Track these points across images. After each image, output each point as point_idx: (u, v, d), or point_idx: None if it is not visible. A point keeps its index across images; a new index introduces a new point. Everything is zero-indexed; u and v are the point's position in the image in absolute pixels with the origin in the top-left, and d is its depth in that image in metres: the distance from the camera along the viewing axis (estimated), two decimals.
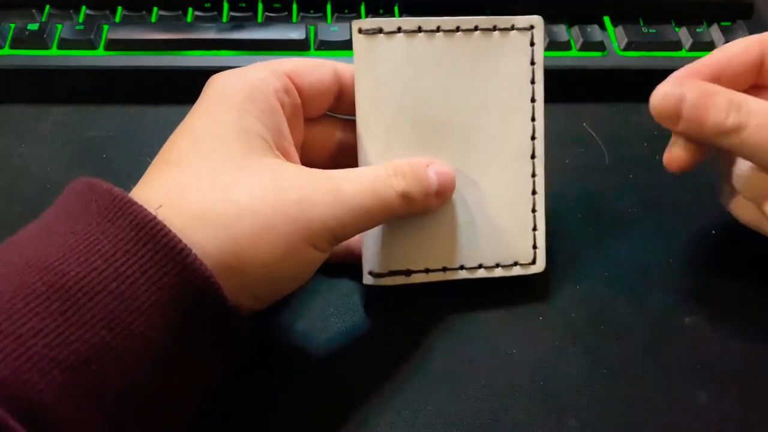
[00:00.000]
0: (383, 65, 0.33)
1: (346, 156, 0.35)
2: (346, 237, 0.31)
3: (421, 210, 0.33)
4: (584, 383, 0.34)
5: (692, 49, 0.47)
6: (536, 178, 0.35)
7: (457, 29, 0.33)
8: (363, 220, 0.31)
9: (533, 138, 0.35)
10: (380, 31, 0.33)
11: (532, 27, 0.34)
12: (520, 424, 0.32)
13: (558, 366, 0.34)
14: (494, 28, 0.34)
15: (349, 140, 0.35)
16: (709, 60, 0.34)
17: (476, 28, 0.34)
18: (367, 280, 0.35)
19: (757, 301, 0.37)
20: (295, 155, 0.33)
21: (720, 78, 0.34)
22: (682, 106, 0.32)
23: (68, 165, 0.42)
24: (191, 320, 0.26)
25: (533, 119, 0.35)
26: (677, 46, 0.47)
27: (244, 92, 0.31)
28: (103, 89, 0.45)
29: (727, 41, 0.47)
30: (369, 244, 0.34)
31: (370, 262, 0.35)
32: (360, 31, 0.33)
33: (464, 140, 0.34)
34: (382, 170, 0.31)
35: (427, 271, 0.35)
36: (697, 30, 0.48)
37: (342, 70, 0.34)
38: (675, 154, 0.34)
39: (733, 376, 0.34)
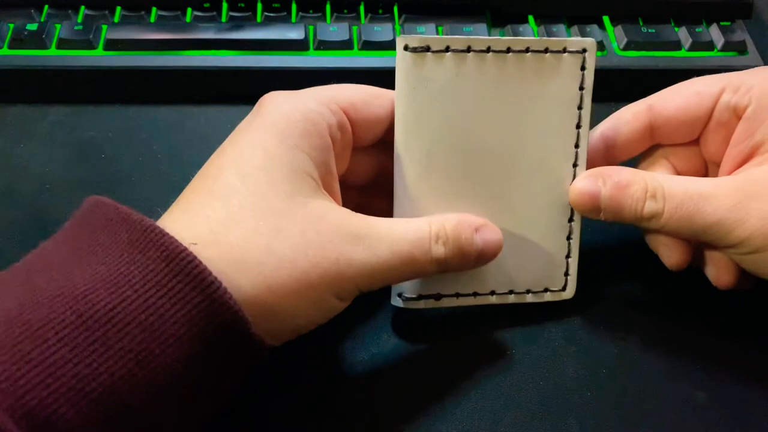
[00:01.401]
0: (428, 85, 0.32)
1: (387, 178, 0.34)
2: (370, 290, 0.30)
3: (454, 270, 0.32)
4: (584, 383, 0.34)
5: (691, 48, 0.47)
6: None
7: (508, 50, 0.32)
8: (391, 279, 0.31)
9: (575, 165, 0.34)
10: (428, 49, 0.31)
11: (584, 50, 0.33)
12: (520, 424, 0.32)
13: (558, 366, 0.34)
14: (546, 51, 0.33)
15: (391, 164, 0.34)
16: (599, 134, 0.36)
17: (528, 50, 0.32)
18: (396, 302, 0.34)
19: (757, 301, 0.37)
20: (337, 189, 0.32)
21: (613, 150, 0.35)
22: (598, 200, 0.33)
23: (67, 165, 0.41)
24: (218, 353, 0.26)
25: (577, 146, 0.34)
26: (677, 45, 0.47)
27: (298, 126, 0.30)
28: (102, 89, 0.45)
29: (726, 41, 0.47)
30: None
31: (400, 285, 0.34)
32: (406, 48, 0.31)
33: (504, 164, 0.33)
34: (426, 231, 0.31)
35: (457, 295, 0.34)
36: (697, 30, 0.48)
37: None
38: (673, 260, 0.35)
39: (733, 376, 0.34)
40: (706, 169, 0.37)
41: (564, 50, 0.33)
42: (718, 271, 0.35)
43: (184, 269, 0.25)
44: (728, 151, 0.35)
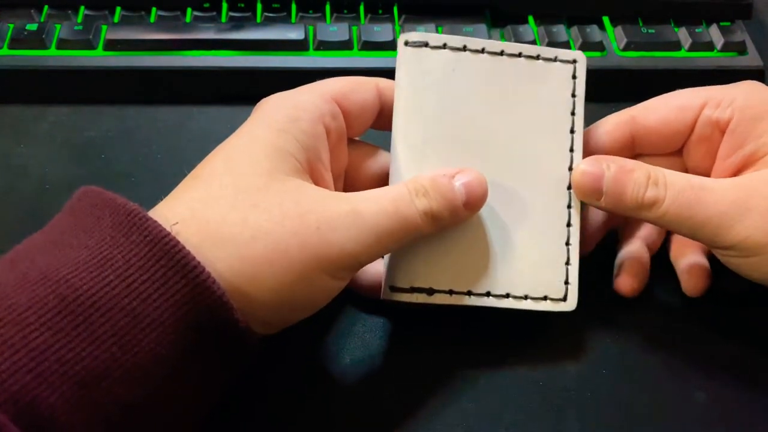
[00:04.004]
0: (426, 78, 0.33)
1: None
2: (368, 261, 0.30)
3: (450, 224, 0.32)
4: (584, 383, 0.34)
5: (691, 49, 0.47)
6: (572, 210, 0.34)
7: (502, 53, 0.34)
8: (385, 243, 0.30)
9: (570, 169, 0.34)
10: (426, 44, 0.33)
11: (575, 61, 0.35)
12: (520, 424, 0.32)
13: (558, 366, 0.34)
14: (538, 57, 0.34)
15: None
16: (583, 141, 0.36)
17: (520, 55, 0.34)
18: (386, 294, 0.33)
19: (756, 300, 0.37)
20: (330, 181, 0.32)
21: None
22: (602, 182, 0.33)
23: (67, 165, 0.41)
24: (201, 338, 0.26)
25: (572, 150, 0.34)
26: (676, 46, 0.47)
27: (287, 113, 0.31)
28: (101, 89, 0.45)
29: (726, 41, 0.47)
30: (393, 256, 0.33)
31: (392, 275, 0.33)
32: (406, 43, 0.33)
33: (500, 163, 0.34)
34: (403, 189, 0.30)
35: (451, 292, 0.33)
36: (696, 30, 0.48)
37: (383, 86, 0.34)
38: (623, 281, 0.36)
39: (733, 376, 0.34)
40: None
41: (555, 59, 0.35)
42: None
43: (167, 253, 0.25)
44: (716, 164, 0.35)
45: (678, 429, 0.33)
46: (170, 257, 0.25)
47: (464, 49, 0.34)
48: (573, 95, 0.35)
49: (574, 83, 0.35)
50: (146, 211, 0.27)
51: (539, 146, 0.34)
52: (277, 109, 0.31)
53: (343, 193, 0.30)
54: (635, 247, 0.37)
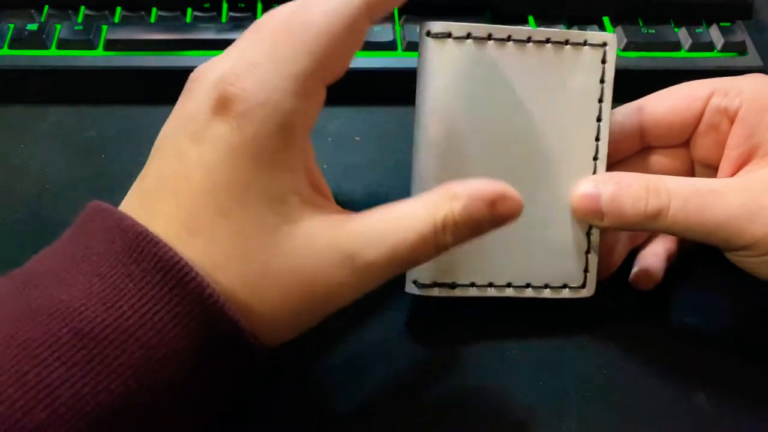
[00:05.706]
0: (450, 71, 0.32)
1: None
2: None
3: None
4: (584, 383, 0.34)
5: (691, 49, 0.47)
6: None
7: (529, 40, 0.33)
8: (394, 274, 0.28)
9: (596, 158, 0.34)
10: (449, 35, 0.32)
11: (605, 44, 0.34)
12: (520, 424, 0.32)
13: (558, 366, 0.34)
14: (566, 42, 0.33)
15: None
16: None
17: (548, 41, 0.33)
18: (410, 288, 0.34)
19: (757, 300, 0.37)
20: (321, 178, 0.31)
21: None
22: (599, 202, 0.32)
23: (67, 165, 0.41)
24: (217, 365, 0.26)
25: (597, 139, 0.34)
26: (676, 46, 0.47)
27: (274, 140, 0.27)
28: (102, 89, 0.45)
29: (726, 41, 0.47)
30: None
31: (415, 270, 0.33)
32: (428, 33, 0.32)
33: (524, 153, 0.33)
34: (430, 224, 0.27)
35: (473, 285, 0.34)
36: (696, 30, 0.48)
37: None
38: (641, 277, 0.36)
39: (733, 377, 0.34)
40: (693, 172, 0.37)
41: (585, 43, 0.33)
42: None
43: (180, 282, 0.25)
44: (726, 153, 0.35)
45: (678, 429, 0.33)
46: (183, 286, 0.25)
47: (489, 38, 0.32)
48: (602, 81, 0.34)
49: (603, 68, 0.34)
50: (154, 235, 0.25)
51: (565, 136, 0.34)
52: (261, 132, 0.27)
53: (354, 230, 0.28)
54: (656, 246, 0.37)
